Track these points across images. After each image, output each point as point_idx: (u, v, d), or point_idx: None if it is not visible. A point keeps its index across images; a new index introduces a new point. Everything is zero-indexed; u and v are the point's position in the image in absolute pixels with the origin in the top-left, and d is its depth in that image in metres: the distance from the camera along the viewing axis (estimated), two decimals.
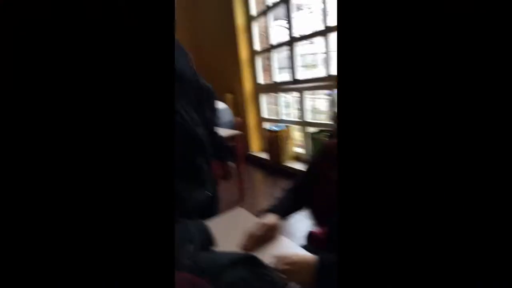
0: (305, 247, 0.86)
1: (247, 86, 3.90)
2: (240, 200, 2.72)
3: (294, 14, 3.06)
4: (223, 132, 2.75)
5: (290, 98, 3.73)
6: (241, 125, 3.74)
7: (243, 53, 3.78)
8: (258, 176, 3.47)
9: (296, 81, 3.19)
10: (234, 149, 2.68)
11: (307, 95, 3.18)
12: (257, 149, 4.04)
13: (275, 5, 3.25)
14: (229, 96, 4.11)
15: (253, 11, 3.65)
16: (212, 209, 1.14)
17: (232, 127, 3.65)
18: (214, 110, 2.31)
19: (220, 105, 3.77)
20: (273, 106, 3.88)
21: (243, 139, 3.60)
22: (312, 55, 4.75)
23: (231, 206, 2.55)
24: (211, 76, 4.10)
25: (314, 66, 4.67)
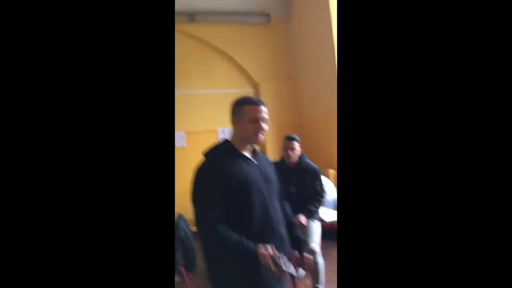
0: None
1: None
2: None
3: None
4: (329, 214, 2.61)
5: None
6: None
7: None
8: None
9: None
10: None
11: None
12: None
13: None
14: (332, 171, 4.00)
15: None
16: None
17: (335, 206, 3.46)
18: (316, 190, 2.23)
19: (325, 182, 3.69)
20: None
21: None
22: None
23: None
24: (314, 152, 4.14)
25: None
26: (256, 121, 1.13)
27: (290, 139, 2.33)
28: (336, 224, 2.51)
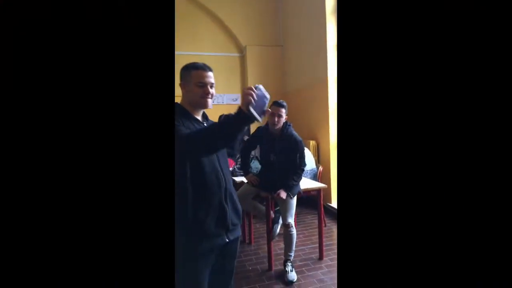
0: None
1: (334, 135, 3.83)
2: (320, 258, 2.56)
3: None
4: (308, 183, 2.69)
5: None
6: (323, 174, 3.63)
7: (332, 103, 3.77)
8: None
9: None
10: (318, 202, 2.58)
11: None
12: None
13: None
14: (312, 142, 4.08)
15: None
16: (231, 253, 1.30)
17: (314, 175, 3.56)
18: (296, 162, 2.25)
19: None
20: None
21: (325, 191, 3.48)
22: None
23: (309, 264, 2.44)
24: (297, 121, 4.18)
25: None
26: (203, 85, 1.16)
27: (278, 105, 2.26)
28: (310, 191, 2.61)
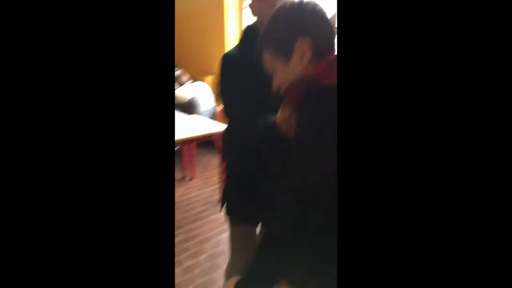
0: None
1: None
2: None
3: None
4: (208, 127, 2.57)
5: None
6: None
7: (231, 31, 3.51)
8: None
9: None
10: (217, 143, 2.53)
11: None
12: None
13: None
14: (211, 78, 3.84)
15: None
16: None
17: (213, 114, 3.44)
18: None
19: (203, 88, 3.52)
20: None
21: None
22: None
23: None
24: (191, 55, 3.79)
25: None
26: None
27: None
28: (211, 135, 2.52)
